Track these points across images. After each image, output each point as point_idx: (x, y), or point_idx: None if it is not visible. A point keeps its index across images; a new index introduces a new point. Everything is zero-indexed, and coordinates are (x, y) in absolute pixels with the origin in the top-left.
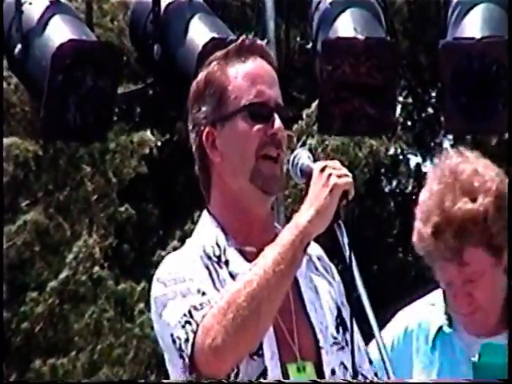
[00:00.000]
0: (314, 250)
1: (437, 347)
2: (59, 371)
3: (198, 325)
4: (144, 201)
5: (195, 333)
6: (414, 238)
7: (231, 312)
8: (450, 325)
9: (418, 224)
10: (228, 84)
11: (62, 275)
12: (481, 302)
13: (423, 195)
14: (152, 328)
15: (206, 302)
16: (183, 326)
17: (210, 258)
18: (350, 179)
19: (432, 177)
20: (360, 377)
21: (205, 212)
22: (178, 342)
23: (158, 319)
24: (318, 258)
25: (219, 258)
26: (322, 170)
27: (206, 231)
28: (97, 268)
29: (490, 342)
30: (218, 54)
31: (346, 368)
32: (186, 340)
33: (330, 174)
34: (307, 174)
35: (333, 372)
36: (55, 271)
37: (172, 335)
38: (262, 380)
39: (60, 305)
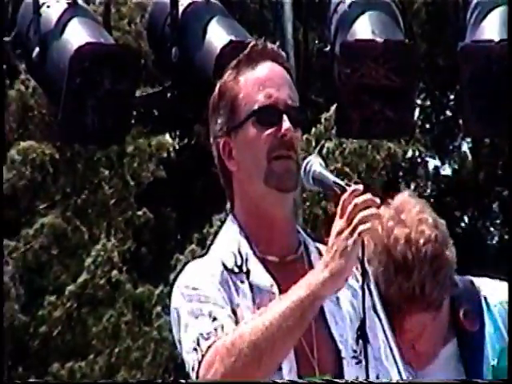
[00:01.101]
0: None
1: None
2: (77, 374)
3: (203, 355)
4: (162, 204)
5: (200, 363)
6: None
7: (233, 355)
8: None
9: None
10: (239, 92)
11: (80, 279)
12: (423, 351)
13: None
14: (170, 331)
15: (214, 331)
16: (191, 352)
17: (230, 270)
18: (374, 219)
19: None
20: None
21: (230, 217)
22: (187, 365)
23: (176, 330)
24: None
25: (240, 267)
26: (349, 221)
27: (230, 238)
28: (115, 272)
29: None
30: (232, 63)
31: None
32: (192, 368)
33: (354, 228)
34: (319, 182)
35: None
36: (73, 275)
37: (184, 357)
38: (260, 380)
39: (78, 308)
